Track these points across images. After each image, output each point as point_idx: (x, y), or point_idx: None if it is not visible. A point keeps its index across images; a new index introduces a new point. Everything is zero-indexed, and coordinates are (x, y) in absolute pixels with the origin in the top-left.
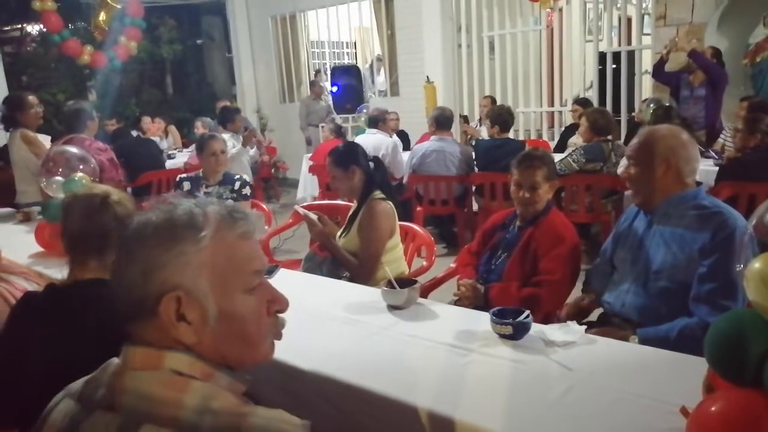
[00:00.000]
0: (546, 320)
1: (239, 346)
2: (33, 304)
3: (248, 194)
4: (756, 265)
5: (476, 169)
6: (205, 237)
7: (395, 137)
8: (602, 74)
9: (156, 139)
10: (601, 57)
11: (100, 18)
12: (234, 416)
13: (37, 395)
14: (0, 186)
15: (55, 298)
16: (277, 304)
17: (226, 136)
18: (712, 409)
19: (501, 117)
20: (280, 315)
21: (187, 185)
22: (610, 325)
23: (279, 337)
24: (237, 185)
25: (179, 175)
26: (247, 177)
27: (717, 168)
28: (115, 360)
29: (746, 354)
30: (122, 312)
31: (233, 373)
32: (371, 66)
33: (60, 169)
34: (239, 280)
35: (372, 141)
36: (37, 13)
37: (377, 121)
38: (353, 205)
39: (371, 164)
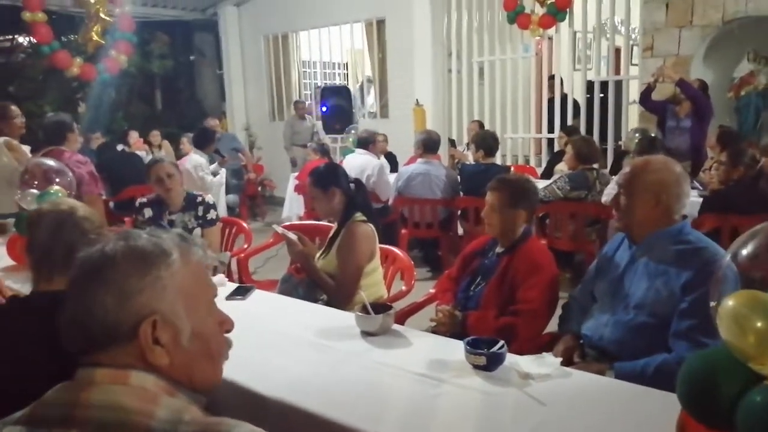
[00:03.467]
0: (523, 349)
1: (206, 364)
2: None
3: (214, 218)
4: (729, 302)
5: (461, 193)
6: (176, 261)
7: (382, 159)
8: (590, 103)
9: (141, 153)
10: (589, 86)
11: (93, 31)
12: (206, 425)
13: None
14: None
15: (17, 308)
16: (226, 324)
17: (202, 159)
18: None
19: (485, 141)
20: (227, 335)
21: (148, 212)
22: (585, 357)
23: (227, 356)
24: (201, 210)
25: (139, 200)
26: (210, 198)
27: (701, 199)
28: (66, 383)
29: (718, 396)
30: (90, 339)
31: (190, 393)
32: (361, 87)
33: (36, 182)
34: (205, 300)
35: (359, 162)
36: (28, 24)
37: (366, 143)
38: (334, 226)
39: (352, 186)
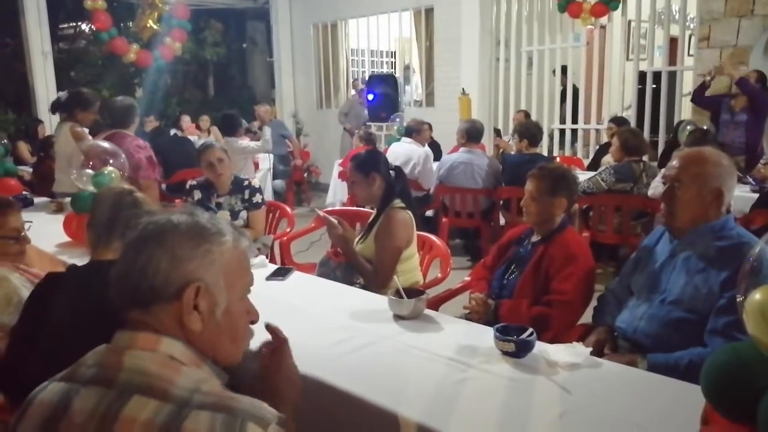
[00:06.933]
0: (556, 340)
1: (229, 342)
2: (56, 283)
3: (260, 202)
4: (756, 296)
5: (504, 183)
6: (227, 242)
7: (427, 147)
8: (642, 94)
9: (193, 138)
10: (642, 77)
11: (149, 19)
12: (220, 398)
13: (53, 365)
14: (44, 176)
15: (76, 276)
16: (252, 314)
17: (240, 143)
18: None
19: (529, 131)
20: (251, 327)
21: (197, 194)
22: (618, 349)
23: (248, 344)
24: (247, 194)
25: (189, 183)
26: (257, 182)
27: (754, 194)
28: (104, 345)
29: (741, 390)
30: (134, 296)
31: (215, 368)
32: (403, 74)
33: (91, 163)
34: (242, 285)
35: (405, 150)
36: (89, 11)
37: (412, 132)
38: (373, 212)
39: (392, 173)
